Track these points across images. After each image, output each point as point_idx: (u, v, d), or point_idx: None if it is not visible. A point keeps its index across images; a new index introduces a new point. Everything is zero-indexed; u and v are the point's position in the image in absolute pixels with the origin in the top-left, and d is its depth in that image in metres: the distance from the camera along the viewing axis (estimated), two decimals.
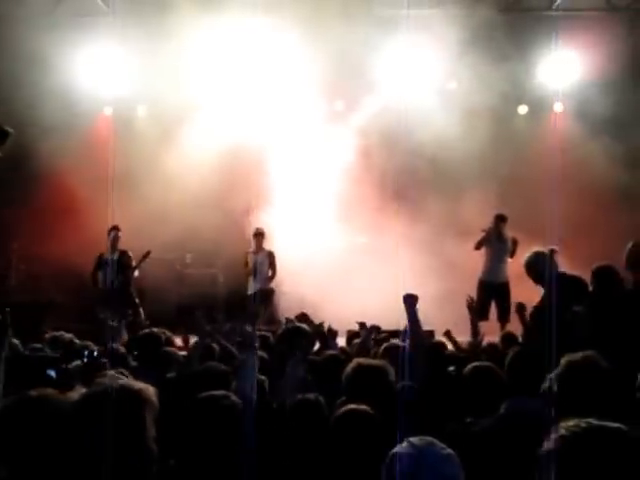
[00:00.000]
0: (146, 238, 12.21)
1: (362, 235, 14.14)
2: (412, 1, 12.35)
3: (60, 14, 13.81)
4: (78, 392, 3.11)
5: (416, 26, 12.74)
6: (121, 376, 2.19)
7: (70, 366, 4.96)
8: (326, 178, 14.18)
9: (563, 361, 3.88)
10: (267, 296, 12.67)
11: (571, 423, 2.20)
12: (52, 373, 4.50)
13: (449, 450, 2.57)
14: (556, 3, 13.54)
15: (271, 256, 12.86)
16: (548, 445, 2.20)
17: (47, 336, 6.93)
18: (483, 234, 11.84)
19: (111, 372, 2.52)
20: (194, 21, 12.55)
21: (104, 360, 4.99)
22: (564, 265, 7.81)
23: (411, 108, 12.97)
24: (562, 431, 2.20)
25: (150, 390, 2.86)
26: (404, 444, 2.58)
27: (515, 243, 11.94)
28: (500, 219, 11.93)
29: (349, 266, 13.21)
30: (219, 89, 14.10)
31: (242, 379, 4.17)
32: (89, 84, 13.99)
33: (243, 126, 13.87)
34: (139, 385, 2.87)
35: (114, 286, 12.13)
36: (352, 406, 3.77)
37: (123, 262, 12.28)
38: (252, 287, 12.77)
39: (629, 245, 11.41)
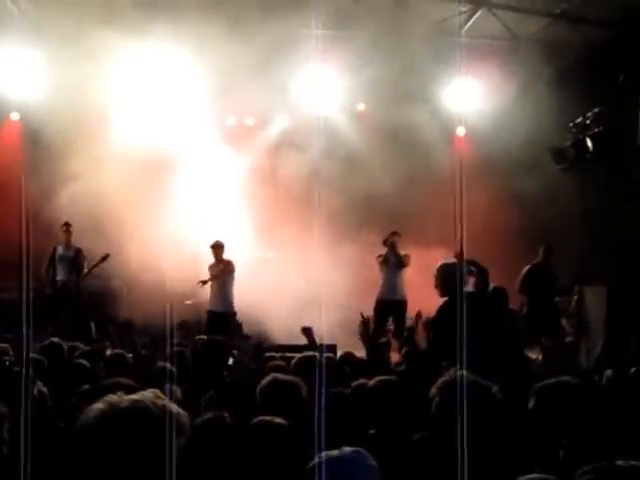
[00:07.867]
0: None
1: (270, 250, 14.20)
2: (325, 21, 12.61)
3: None
4: None
5: (324, 46, 12.98)
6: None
7: None
8: (232, 193, 14.19)
9: (439, 381, 3.90)
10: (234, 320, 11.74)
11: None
12: None
13: (369, 460, 2.60)
14: (463, 30, 14.06)
15: (231, 266, 12.00)
16: None
17: None
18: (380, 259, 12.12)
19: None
20: (105, 28, 12.41)
21: (17, 369, 4.75)
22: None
23: (320, 126, 13.20)
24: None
25: None
26: (321, 455, 2.59)
27: (407, 258, 12.13)
28: (393, 236, 12.19)
29: (259, 279, 13.17)
30: (129, 97, 13.94)
31: None
32: None
33: (151, 136, 13.74)
34: None
35: (68, 286, 11.78)
36: (264, 418, 3.75)
37: (78, 261, 11.93)
38: (215, 305, 11.98)
39: (524, 270, 12.00)
